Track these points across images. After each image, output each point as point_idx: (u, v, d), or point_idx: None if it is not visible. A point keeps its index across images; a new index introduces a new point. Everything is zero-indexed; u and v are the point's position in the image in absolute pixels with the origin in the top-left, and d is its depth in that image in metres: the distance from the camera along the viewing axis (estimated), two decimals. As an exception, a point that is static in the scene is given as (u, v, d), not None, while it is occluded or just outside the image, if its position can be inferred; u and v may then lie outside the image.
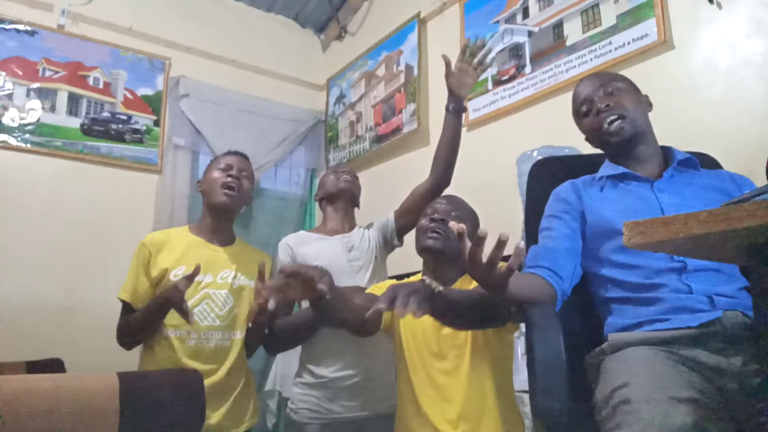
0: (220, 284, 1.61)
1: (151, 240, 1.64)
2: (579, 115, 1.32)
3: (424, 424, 1.34)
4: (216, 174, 1.66)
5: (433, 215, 1.48)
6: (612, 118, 1.22)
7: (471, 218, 1.50)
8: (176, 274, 1.56)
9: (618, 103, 1.23)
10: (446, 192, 1.67)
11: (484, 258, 0.94)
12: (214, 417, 1.52)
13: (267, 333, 1.63)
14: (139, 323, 1.55)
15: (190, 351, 1.54)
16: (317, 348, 1.64)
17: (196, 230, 1.70)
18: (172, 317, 1.55)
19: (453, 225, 0.93)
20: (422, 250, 1.47)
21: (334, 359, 1.61)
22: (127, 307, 1.59)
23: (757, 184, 1.17)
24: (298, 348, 1.73)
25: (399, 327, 1.46)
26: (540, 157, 1.48)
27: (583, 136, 1.41)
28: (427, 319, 1.34)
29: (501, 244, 0.90)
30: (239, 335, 1.62)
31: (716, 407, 0.90)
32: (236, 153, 1.76)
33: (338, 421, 1.57)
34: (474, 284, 1.34)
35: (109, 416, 0.86)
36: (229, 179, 1.63)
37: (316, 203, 1.99)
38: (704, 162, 1.31)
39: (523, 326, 1.49)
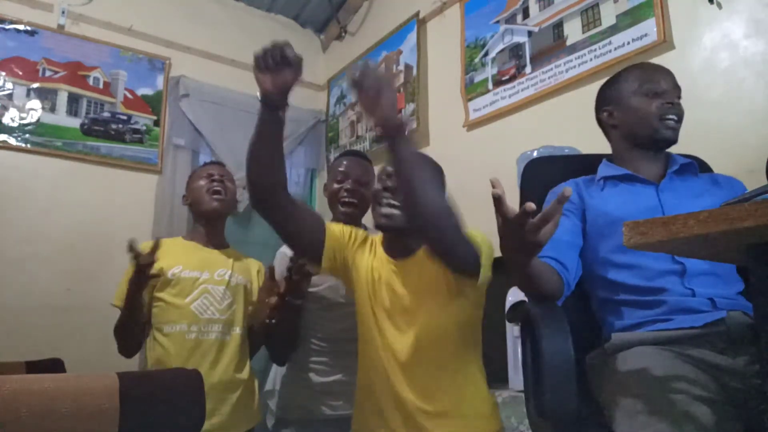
0: (217, 281, 1.64)
1: (146, 247, 1.66)
2: (637, 92, 1.23)
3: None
4: (201, 183, 1.70)
5: (386, 181, 1.27)
6: (676, 117, 1.21)
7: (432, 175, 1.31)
8: (174, 273, 1.59)
9: (681, 109, 1.23)
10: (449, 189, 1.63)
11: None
12: (215, 415, 1.52)
13: (269, 341, 1.64)
14: (121, 323, 1.56)
15: (191, 345, 1.56)
16: (305, 358, 1.64)
17: (189, 237, 1.76)
18: (172, 314, 1.56)
19: (494, 184, 0.87)
20: (377, 227, 1.30)
21: (319, 364, 1.60)
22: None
23: (757, 184, 1.17)
24: None
25: (358, 284, 1.34)
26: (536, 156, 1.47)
27: (581, 137, 1.40)
28: (386, 273, 1.29)
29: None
30: (238, 331, 1.64)
31: (726, 407, 0.90)
32: (212, 162, 1.83)
33: (322, 419, 1.57)
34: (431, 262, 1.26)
35: (109, 416, 0.85)
36: (215, 185, 1.68)
37: (324, 197, 1.92)
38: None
39: (517, 329, 1.48)
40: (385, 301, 1.28)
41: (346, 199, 1.60)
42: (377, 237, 1.40)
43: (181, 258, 1.63)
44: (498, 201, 0.87)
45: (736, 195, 1.20)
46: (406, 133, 1.12)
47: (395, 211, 1.24)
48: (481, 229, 1.44)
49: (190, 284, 1.60)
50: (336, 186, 1.63)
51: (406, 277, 1.28)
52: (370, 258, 1.34)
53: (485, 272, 1.16)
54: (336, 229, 1.36)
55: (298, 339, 1.64)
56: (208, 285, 1.62)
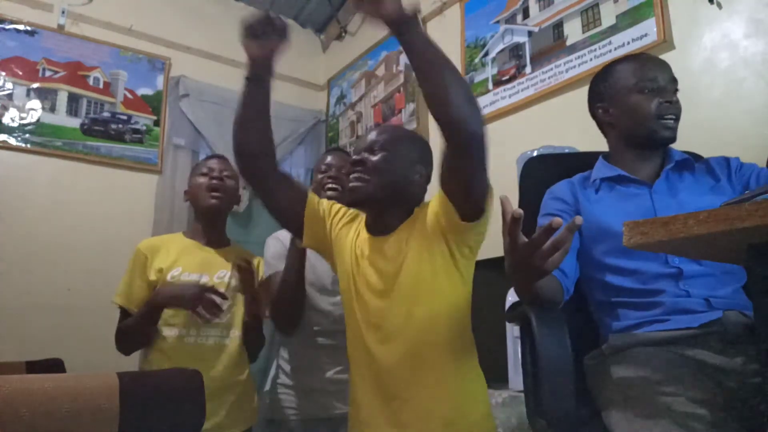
0: (216, 283, 1.63)
1: (146, 245, 1.68)
2: (633, 89, 1.19)
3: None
4: (200, 180, 1.68)
5: (354, 156, 1.23)
6: (674, 116, 1.18)
7: (402, 144, 1.23)
8: (173, 276, 1.59)
9: (679, 107, 1.19)
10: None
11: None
12: (213, 416, 1.52)
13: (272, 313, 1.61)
14: (133, 328, 1.56)
15: (189, 349, 1.56)
16: (294, 355, 1.64)
17: (190, 235, 1.73)
18: (171, 317, 1.56)
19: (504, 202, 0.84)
20: (347, 202, 1.28)
21: (310, 365, 1.59)
22: (123, 312, 1.61)
23: (758, 185, 1.17)
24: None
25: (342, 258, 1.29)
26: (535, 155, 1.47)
27: (581, 137, 1.39)
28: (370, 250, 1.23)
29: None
30: (237, 333, 1.64)
31: (723, 407, 0.90)
32: (215, 156, 1.79)
33: (315, 419, 1.57)
34: (416, 230, 1.20)
35: (109, 416, 0.86)
36: (213, 182, 1.66)
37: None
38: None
39: (517, 329, 1.45)
40: (368, 277, 1.23)
41: (330, 185, 1.63)
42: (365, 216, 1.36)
43: (182, 259, 1.63)
44: (516, 222, 0.84)
45: (731, 174, 1.18)
46: (415, 18, 1.04)
47: (360, 184, 1.20)
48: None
49: None
50: (320, 176, 1.67)
51: (386, 252, 1.22)
52: (354, 235, 1.31)
53: (485, 220, 1.12)
54: (321, 205, 1.33)
55: (304, 299, 1.59)
56: None
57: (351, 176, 1.21)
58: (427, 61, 1.03)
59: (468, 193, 1.10)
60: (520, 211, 0.83)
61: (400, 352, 1.16)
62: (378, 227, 1.26)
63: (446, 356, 1.17)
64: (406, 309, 1.17)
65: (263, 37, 1.19)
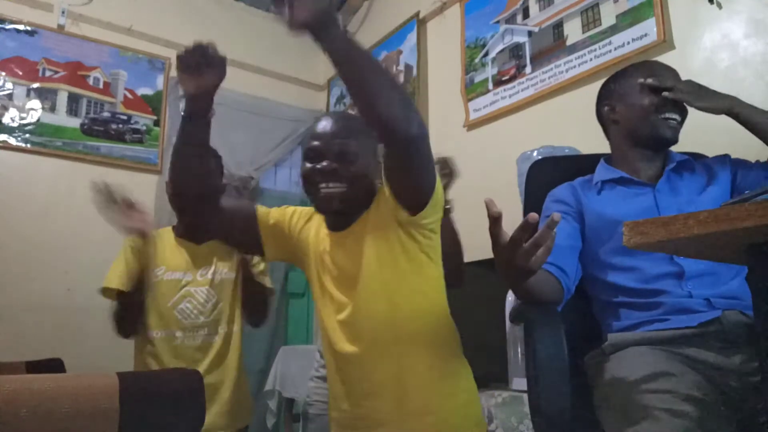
0: (200, 281, 1.62)
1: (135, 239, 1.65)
2: (642, 87, 1.21)
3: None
4: None
5: (315, 160, 1.15)
6: (679, 118, 1.20)
7: (364, 139, 1.18)
8: (157, 275, 1.59)
9: (684, 109, 1.22)
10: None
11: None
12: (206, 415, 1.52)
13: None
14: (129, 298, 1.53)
15: (177, 350, 1.56)
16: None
17: (177, 230, 1.73)
18: (156, 318, 1.56)
19: (489, 203, 0.84)
20: (317, 210, 1.22)
21: None
22: (121, 298, 1.58)
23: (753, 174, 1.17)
24: (303, 348, 1.71)
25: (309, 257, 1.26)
26: (540, 158, 1.46)
27: (581, 137, 1.39)
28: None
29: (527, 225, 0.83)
30: (225, 329, 1.63)
31: (718, 405, 0.90)
32: None
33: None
34: (372, 221, 1.17)
35: (109, 416, 0.86)
36: None
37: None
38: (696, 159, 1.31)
39: (518, 329, 1.45)
40: (332, 274, 1.20)
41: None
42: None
43: (165, 258, 1.62)
44: (496, 221, 0.85)
45: (729, 172, 1.21)
46: (332, 20, 0.98)
47: (337, 191, 1.14)
48: (480, 229, 1.44)
49: (172, 287, 1.59)
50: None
51: (347, 248, 1.19)
52: (315, 233, 1.28)
53: (432, 211, 1.11)
54: (274, 216, 1.29)
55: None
56: (190, 287, 1.61)
57: (324, 184, 1.15)
58: (349, 64, 1.00)
59: (413, 192, 1.08)
60: (499, 210, 0.85)
61: (369, 348, 1.13)
62: (337, 223, 1.22)
63: (421, 346, 1.13)
64: (371, 304, 1.13)
65: (199, 71, 1.10)
